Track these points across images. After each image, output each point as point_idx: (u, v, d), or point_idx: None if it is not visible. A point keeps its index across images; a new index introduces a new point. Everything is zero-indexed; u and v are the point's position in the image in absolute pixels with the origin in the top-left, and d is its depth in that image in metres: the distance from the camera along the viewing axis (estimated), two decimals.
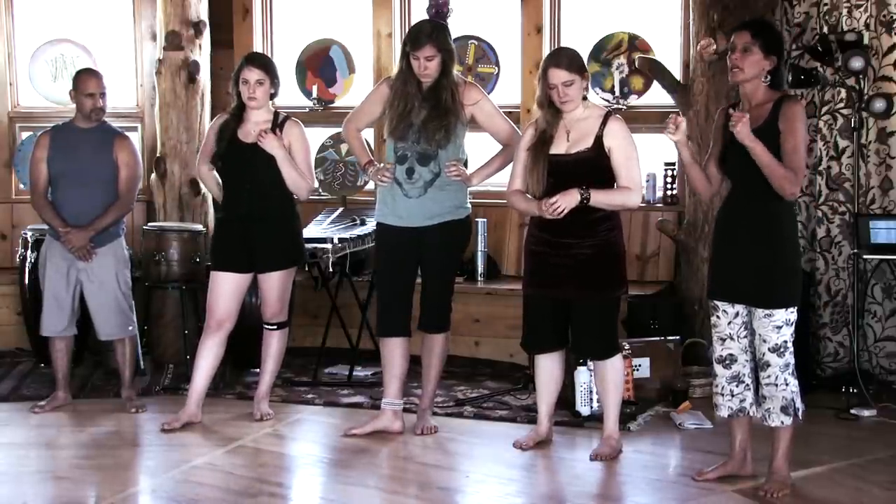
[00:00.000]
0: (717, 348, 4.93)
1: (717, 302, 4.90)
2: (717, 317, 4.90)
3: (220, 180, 5.97)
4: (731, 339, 4.88)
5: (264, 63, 5.91)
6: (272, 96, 5.91)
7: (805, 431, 5.84)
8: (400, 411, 5.75)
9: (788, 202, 4.80)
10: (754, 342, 4.85)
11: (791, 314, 4.78)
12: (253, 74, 5.80)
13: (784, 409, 4.78)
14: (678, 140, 4.90)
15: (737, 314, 4.86)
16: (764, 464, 4.91)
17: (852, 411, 6.05)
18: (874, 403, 6.09)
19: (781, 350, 4.77)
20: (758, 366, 4.84)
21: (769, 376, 4.79)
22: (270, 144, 5.79)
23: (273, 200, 5.86)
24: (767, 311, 4.76)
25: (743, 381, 4.89)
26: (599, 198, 5.18)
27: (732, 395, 4.91)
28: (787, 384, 4.78)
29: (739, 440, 4.98)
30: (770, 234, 4.77)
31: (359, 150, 5.84)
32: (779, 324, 4.76)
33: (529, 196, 5.29)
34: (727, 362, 4.90)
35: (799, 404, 4.82)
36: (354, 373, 6.82)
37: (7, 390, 6.62)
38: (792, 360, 4.81)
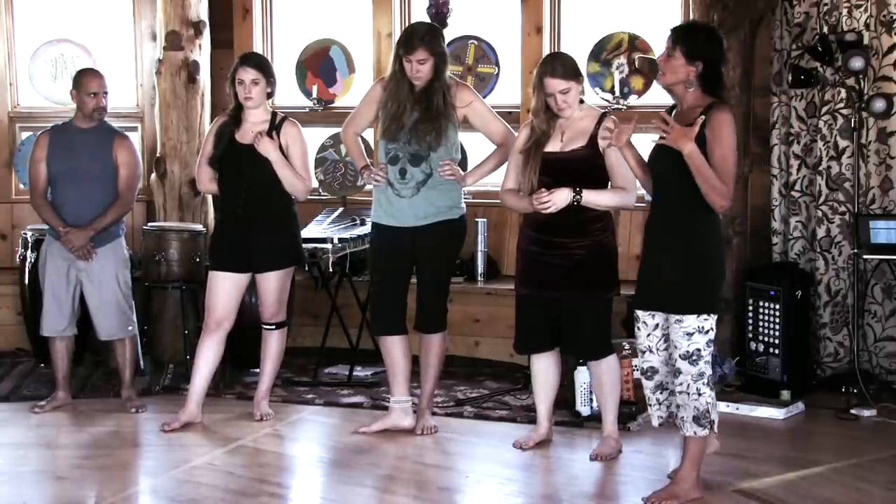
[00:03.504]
0: (639, 360, 4.88)
1: (638, 312, 4.85)
2: (638, 328, 4.84)
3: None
4: (651, 351, 4.82)
5: (259, 63, 5.90)
6: (269, 95, 5.91)
7: (805, 431, 5.88)
8: (409, 407, 5.76)
9: (711, 211, 4.70)
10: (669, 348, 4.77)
11: (704, 322, 4.67)
12: (248, 74, 5.81)
13: (696, 420, 4.68)
14: (622, 146, 4.85)
15: (656, 326, 4.79)
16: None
17: (852, 411, 6.05)
18: (874, 403, 6.09)
19: (694, 358, 4.66)
20: (672, 373, 4.75)
21: (681, 384, 4.69)
22: (265, 148, 5.79)
23: (271, 201, 5.87)
24: (678, 317, 4.67)
25: (667, 388, 4.84)
26: (592, 197, 5.18)
27: (659, 404, 4.88)
28: (699, 394, 4.67)
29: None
30: (689, 240, 4.68)
31: (356, 154, 5.86)
32: (689, 330, 4.65)
33: (522, 194, 5.30)
34: (649, 374, 4.85)
35: (714, 416, 4.70)
36: (354, 373, 6.82)
37: (7, 390, 6.62)
38: (707, 371, 4.69)
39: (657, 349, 4.81)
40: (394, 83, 5.58)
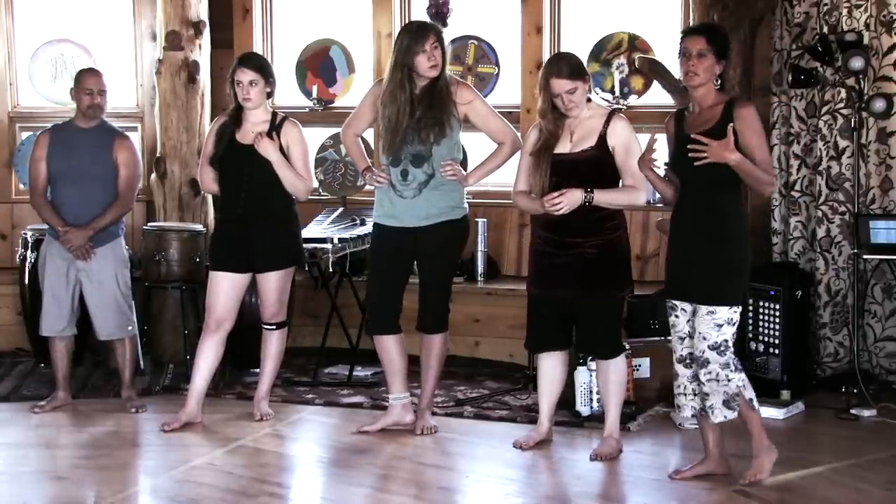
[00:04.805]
0: (678, 348, 4.94)
1: (674, 301, 4.93)
2: (676, 316, 4.92)
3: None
4: (691, 337, 4.89)
5: (258, 63, 5.90)
6: (269, 96, 5.90)
7: (805, 431, 5.87)
8: (409, 403, 5.76)
9: (737, 202, 4.85)
10: (694, 340, 4.85)
11: (734, 313, 4.81)
12: (246, 76, 5.80)
13: (726, 404, 4.81)
14: (646, 171, 4.98)
15: (694, 311, 4.87)
16: (740, 461, 4.93)
17: (852, 411, 6.05)
18: (874, 403, 6.09)
19: (721, 349, 4.79)
20: (697, 363, 4.84)
21: (709, 373, 4.81)
22: (266, 149, 5.79)
23: (271, 201, 5.86)
24: (710, 308, 4.78)
25: (697, 378, 4.89)
26: (604, 197, 5.19)
27: (695, 395, 4.92)
28: (728, 380, 4.80)
29: (712, 439, 4.98)
30: (717, 232, 4.80)
31: (357, 155, 5.86)
32: (720, 322, 4.78)
33: (534, 195, 5.30)
34: (688, 361, 4.91)
35: (749, 395, 4.85)
36: (354, 373, 6.82)
37: (7, 390, 6.62)
38: (732, 359, 4.83)
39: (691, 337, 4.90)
40: (395, 86, 5.50)
